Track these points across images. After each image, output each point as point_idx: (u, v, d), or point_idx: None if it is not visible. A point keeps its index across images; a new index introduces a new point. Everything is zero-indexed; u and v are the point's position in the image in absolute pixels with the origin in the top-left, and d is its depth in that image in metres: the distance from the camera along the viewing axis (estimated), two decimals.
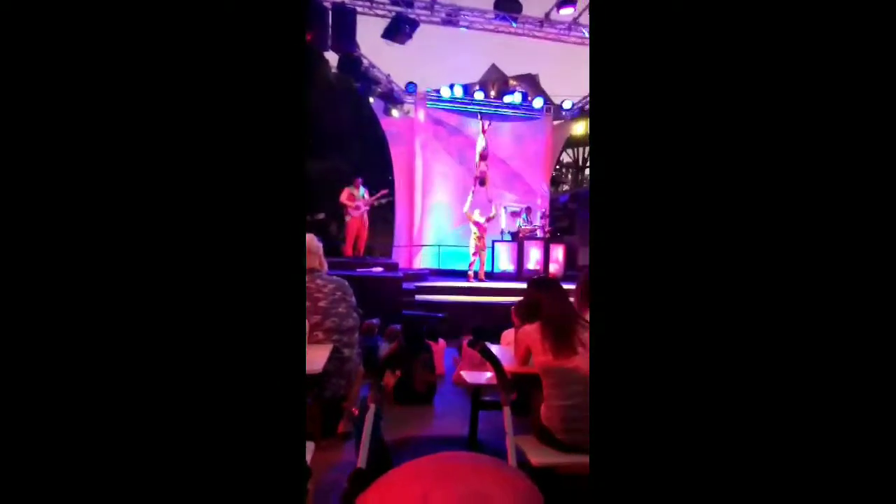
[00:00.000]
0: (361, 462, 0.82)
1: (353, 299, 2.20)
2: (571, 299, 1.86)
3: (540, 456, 1.52)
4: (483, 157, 6.93)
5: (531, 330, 1.71)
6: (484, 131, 7.02)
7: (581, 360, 1.60)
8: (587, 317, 2.25)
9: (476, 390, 2.53)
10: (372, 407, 1.01)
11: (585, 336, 1.68)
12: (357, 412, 1.80)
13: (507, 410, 1.10)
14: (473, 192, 6.67)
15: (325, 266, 2.24)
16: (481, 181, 6.79)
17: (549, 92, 8.61)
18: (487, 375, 2.31)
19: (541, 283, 2.00)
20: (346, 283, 2.20)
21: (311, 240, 2.23)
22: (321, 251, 2.22)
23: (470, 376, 2.59)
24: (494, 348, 2.34)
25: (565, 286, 1.91)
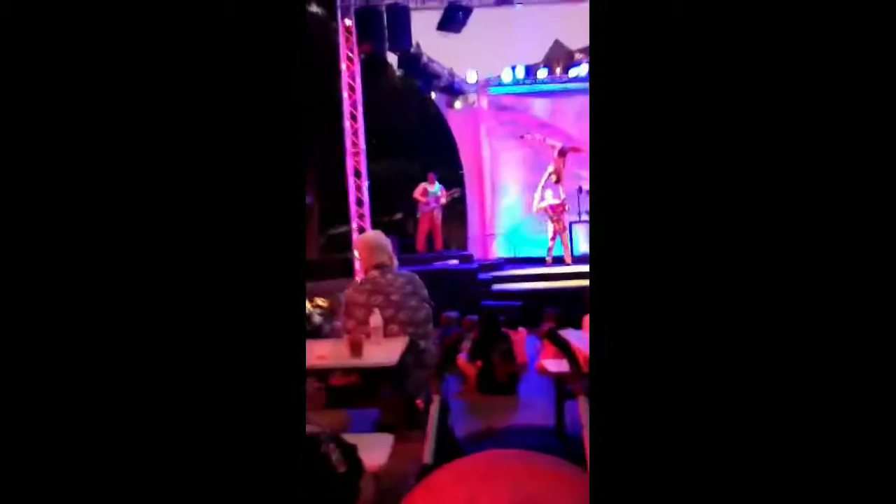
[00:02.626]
0: (427, 457, 0.78)
1: (425, 292, 2.20)
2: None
3: None
4: (562, 153, 6.63)
5: None
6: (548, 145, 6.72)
7: None
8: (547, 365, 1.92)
9: (560, 379, 2.41)
10: (436, 399, 0.98)
11: None
12: (422, 405, 1.79)
13: (582, 400, 1.00)
14: (542, 188, 6.45)
15: (396, 262, 2.27)
16: (557, 178, 6.51)
17: None
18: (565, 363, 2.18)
19: None
20: (417, 277, 2.21)
21: (380, 236, 2.27)
22: (390, 247, 2.25)
23: (552, 364, 2.47)
24: (574, 334, 2.20)
25: None
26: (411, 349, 1.98)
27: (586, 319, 2.40)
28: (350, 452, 0.70)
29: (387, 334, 1.99)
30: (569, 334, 2.35)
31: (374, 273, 2.16)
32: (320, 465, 0.64)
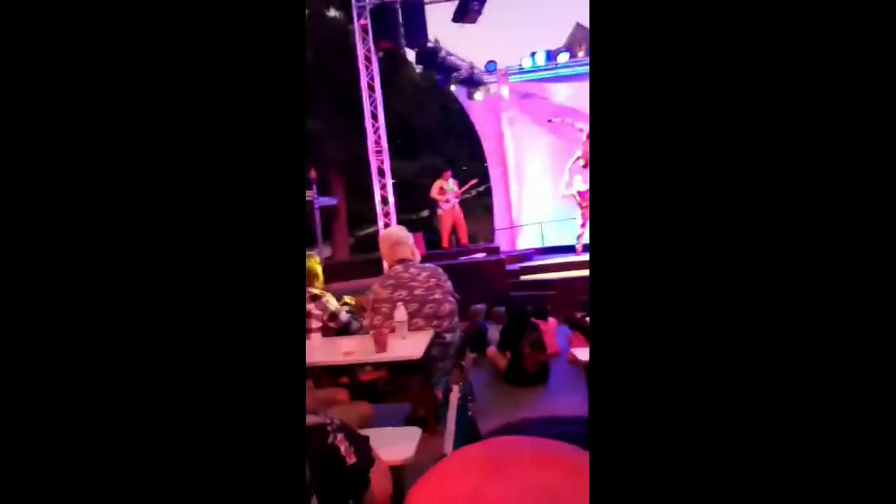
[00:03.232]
0: (447, 448, 0.77)
1: (449, 284, 2.19)
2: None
3: None
4: (590, 137, 6.47)
5: None
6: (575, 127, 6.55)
7: None
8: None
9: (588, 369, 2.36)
10: (455, 389, 0.97)
11: None
12: (441, 396, 1.79)
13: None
14: (570, 171, 6.31)
15: (418, 256, 2.27)
16: (585, 163, 6.37)
17: None
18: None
19: None
20: (440, 269, 2.20)
21: (401, 231, 2.28)
22: (412, 241, 2.25)
23: (582, 353, 2.43)
24: None
25: None
26: (436, 343, 1.99)
27: None
28: (360, 443, 0.70)
29: (412, 328, 2.00)
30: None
31: (398, 268, 2.17)
32: (327, 456, 0.64)
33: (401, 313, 1.91)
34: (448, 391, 0.97)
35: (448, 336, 2.10)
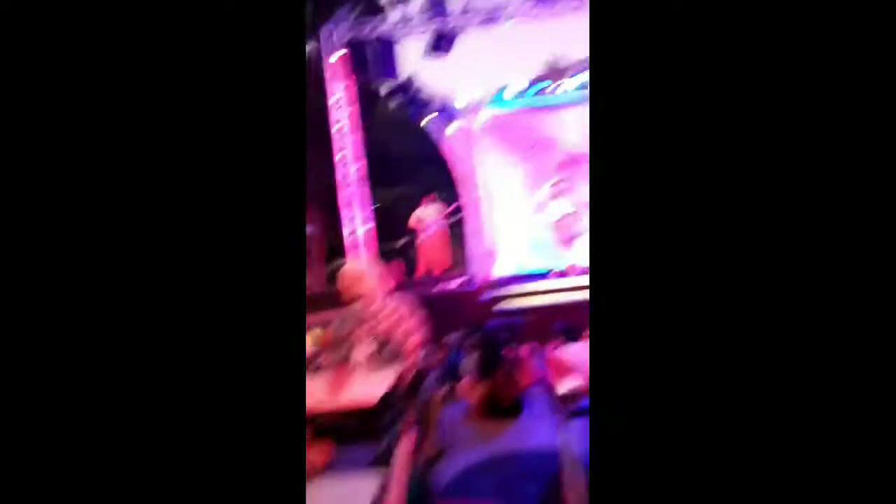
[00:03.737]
0: None
1: (417, 317, 2.14)
2: None
3: None
4: (563, 166, 6.65)
5: None
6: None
7: None
8: None
9: (565, 398, 2.32)
10: (406, 441, 0.90)
11: None
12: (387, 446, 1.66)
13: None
14: (544, 201, 6.44)
15: (383, 289, 2.22)
16: (559, 192, 6.51)
17: None
18: (577, 383, 2.10)
19: None
20: (409, 302, 2.15)
21: (364, 265, 2.23)
22: (376, 274, 2.20)
23: (557, 383, 2.38)
24: (575, 348, 2.12)
25: None
26: (401, 381, 1.91)
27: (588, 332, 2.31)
28: None
29: (374, 366, 1.92)
30: (569, 349, 2.26)
31: (363, 301, 2.11)
32: None
33: (362, 352, 1.83)
34: (395, 438, 0.90)
35: (414, 373, 2.02)
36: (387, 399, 1.63)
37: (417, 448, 2.16)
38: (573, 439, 2.21)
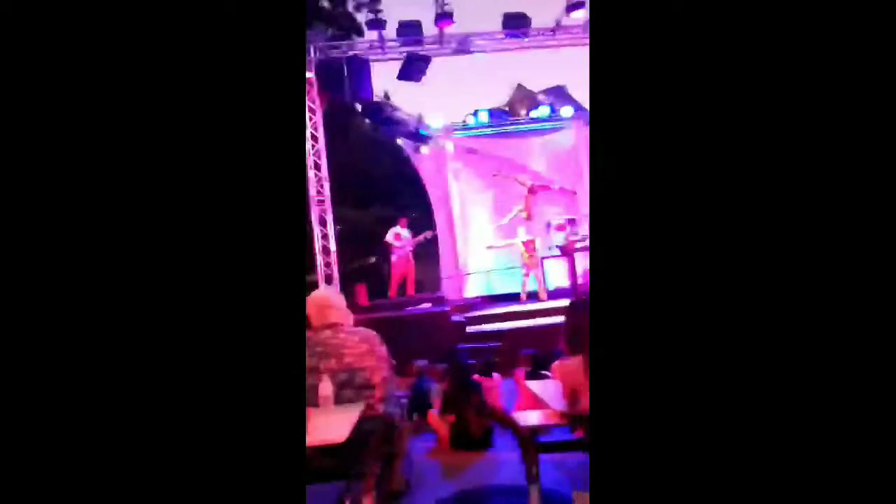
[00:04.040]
0: None
1: (384, 349, 2.07)
2: None
3: None
4: (532, 191, 6.79)
5: (573, 366, 1.47)
6: (526, 186, 6.87)
7: None
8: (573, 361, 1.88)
9: (535, 432, 2.28)
10: (373, 475, 0.84)
11: None
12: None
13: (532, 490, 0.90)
14: (511, 222, 6.55)
15: (350, 320, 2.15)
16: (528, 215, 6.64)
17: (580, 99, 8.38)
18: (545, 416, 2.07)
19: (582, 305, 1.76)
20: (374, 334, 2.08)
21: (331, 294, 2.16)
22: (343, 303, 2.13)
23: (523, 418, 2.35)
24: (543, 385, 2.10)
25: None
26: (367, 415, 1.83)
27: (555, 366, 2.30)
28: None
29: (341, 401, 1.84)
30: (536, 385, 2.23)
31: (327, 333, 2.03)
32: None
33: (325, 387, 1.76)
34: (360, 481, 0.84)
35: (381, 407, 1.95)
36: (354, 435, 1.55)
37: (384, 483, 2.08)
38: (542, 474, 2.18)
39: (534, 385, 2.14)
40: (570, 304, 1.88)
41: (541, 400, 1.86)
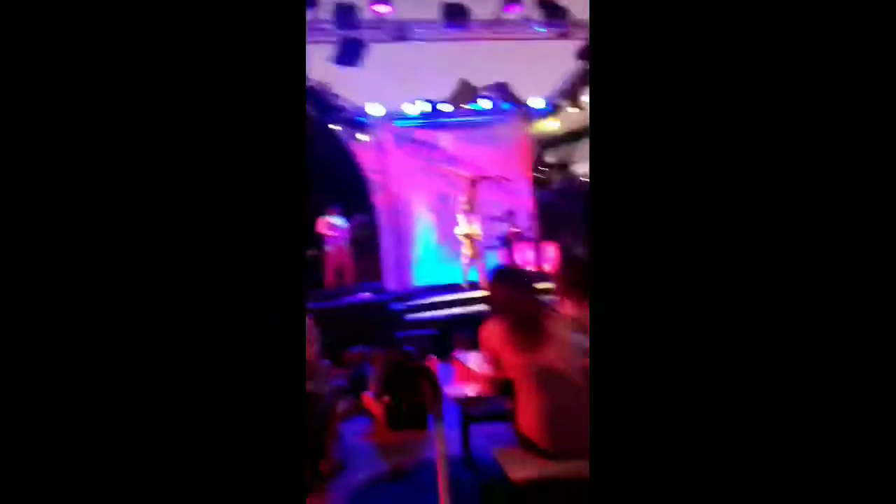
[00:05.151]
0: None
1: (314, 327, 2.03)
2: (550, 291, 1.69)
3: (521, 470, 1.33)
4: (473, 182, 6.86)
5: (493, 328, 1.54)
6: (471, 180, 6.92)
7: (555, 355, 1.42)
8: (565, 307, 2.09)
9: (464, 404, 2.35)
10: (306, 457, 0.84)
11: (557, 328, 1.51)
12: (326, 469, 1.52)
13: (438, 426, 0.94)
14: (457, 215, 6.62)
15: None
16: (470, 207, 6.71)
17: (521, 94, 8.58)
18: (473, 388, 2.14)
19: (501, 275, 1.82)
20: (311, 326, 2.04)
21: None
22: None
23: (453, 390, 2.41)
24: (472, 356, 2.17)
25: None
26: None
27: (480, 328, 2.36)
28: None
29: None
30: (466, 357, 2.31)
31: None
32: None
33: None
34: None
35: (309, 385, 1.92)
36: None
37: (316, 464, 2.05)
38: (478, 447, 2.25)
39: (461, 356, 2.21)
40: (492, 273, 1.93)
41: (470, 369, 1.92)
